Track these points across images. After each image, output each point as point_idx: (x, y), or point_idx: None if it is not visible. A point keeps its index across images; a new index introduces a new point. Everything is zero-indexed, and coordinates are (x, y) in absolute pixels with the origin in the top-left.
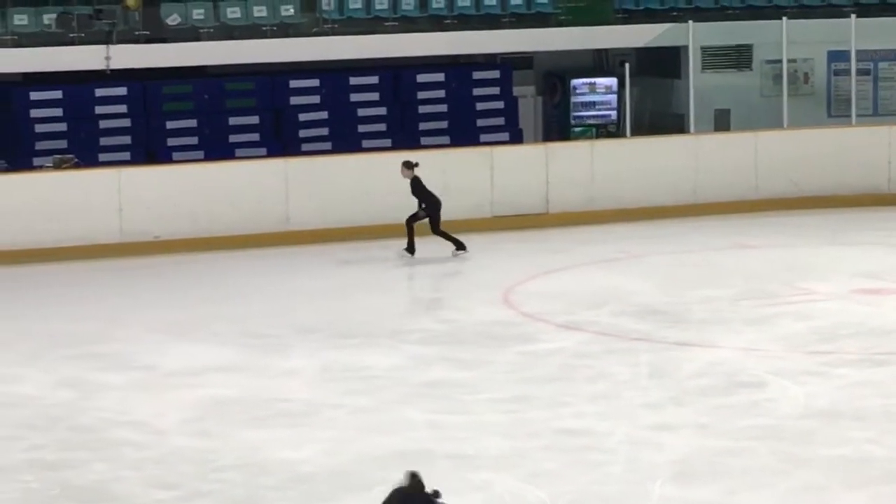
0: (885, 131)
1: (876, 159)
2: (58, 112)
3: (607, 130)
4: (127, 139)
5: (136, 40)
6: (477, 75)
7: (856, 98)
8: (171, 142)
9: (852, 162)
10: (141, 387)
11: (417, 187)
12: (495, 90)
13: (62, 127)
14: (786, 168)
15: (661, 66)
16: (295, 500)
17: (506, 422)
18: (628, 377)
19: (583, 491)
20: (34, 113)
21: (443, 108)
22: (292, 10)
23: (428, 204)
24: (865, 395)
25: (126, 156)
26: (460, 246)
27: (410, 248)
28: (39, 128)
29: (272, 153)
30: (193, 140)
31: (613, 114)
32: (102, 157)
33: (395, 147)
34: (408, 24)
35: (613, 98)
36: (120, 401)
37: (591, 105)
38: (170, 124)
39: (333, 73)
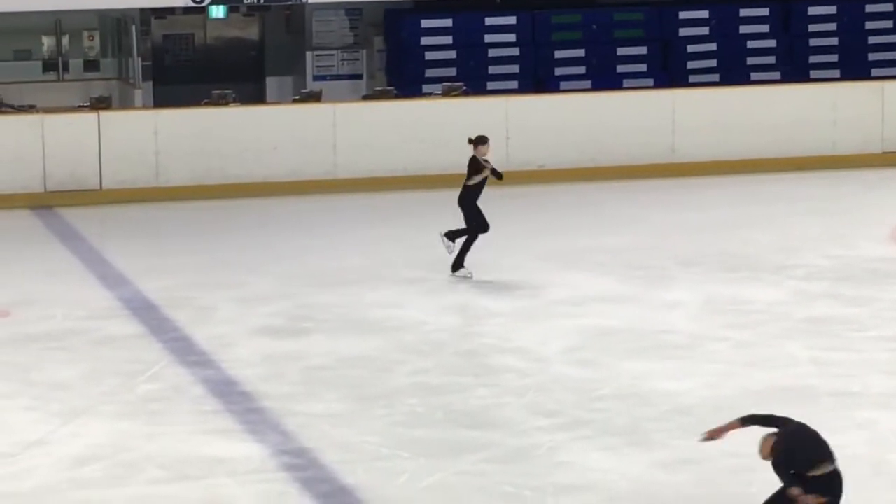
0: None
1: None
2: (447, 40)
3: None
4: (515, 68)
5: None
6: (870, 8)
7: None
8: (559, 71)
9: None
10: (525, 315)
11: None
12: (888, 24)
13: (451, 55)
14: None
15: None
16: (675, 432)
17: (892, 360)
18: None
19: None
20: (424, 41)
21: (834, 41)
22: None
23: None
24: None
25: (514, 84)
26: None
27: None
28: (429, 55)
29: (659, 84)
30: (581, 70)
31: None
32: (490, 85)
33: (784, 80)
34: None
35: None
36: (504, 328)
37: None
38: (558, 54)
39: (723, 4)
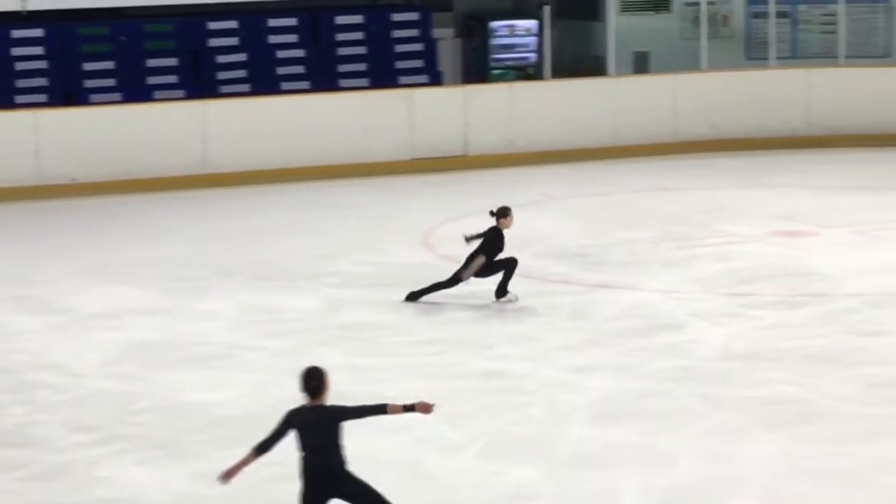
0: (802, 74)
1: (794, 101)
2: None
3: (527, 73)
4: (44, 81)
5: None
6: (396, 17)
7: (774, 41)
8: (89, 84)
9: (770, 104)
10: (60, 329)
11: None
12: (414, 32)
13: None
14: (704, 110)
15: (580, 8)
16: (213, 443)
17: (426, 364)
18: (548, 319)
19: (502, 432)
20: None
21: (361, 50)
22: None
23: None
24: (782, 336)
25: (43, 98)
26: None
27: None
28: None
29: (190, 95)
30: (111, 82)
31: (533, 56)
32: (19, 99)
33: (314, 89)
34: None
35: (533, 40)
36: (39, 343)
37: (510, 48)
38: (87, 66)
39: (252, 15)
